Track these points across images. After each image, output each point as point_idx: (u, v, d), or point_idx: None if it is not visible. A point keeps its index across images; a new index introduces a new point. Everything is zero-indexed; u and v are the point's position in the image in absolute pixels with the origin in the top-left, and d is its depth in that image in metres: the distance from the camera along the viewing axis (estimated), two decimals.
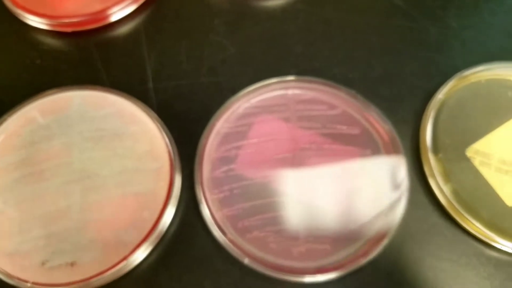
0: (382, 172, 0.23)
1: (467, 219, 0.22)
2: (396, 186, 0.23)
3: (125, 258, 0.20)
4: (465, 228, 0.22)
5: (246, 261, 0.21)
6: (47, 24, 0.27)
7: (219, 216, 0.22)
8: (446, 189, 0.23)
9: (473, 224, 0.22)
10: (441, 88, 0.25)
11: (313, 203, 0.22)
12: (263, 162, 0.23)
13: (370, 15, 0.28)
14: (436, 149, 0.23)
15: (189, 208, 0.23)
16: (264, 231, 0.22)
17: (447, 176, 0.23)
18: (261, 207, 0.22)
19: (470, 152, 0.24)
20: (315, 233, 0.22)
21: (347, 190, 0.23)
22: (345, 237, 0.22)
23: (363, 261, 0.21)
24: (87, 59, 0.27)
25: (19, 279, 0.20)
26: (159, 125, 0.24)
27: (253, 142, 0.24)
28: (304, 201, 0.22)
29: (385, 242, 0.21)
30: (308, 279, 0.21)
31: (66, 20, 0.27)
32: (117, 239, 0.21)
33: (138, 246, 0.21)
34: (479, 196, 0.23)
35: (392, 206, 0.22)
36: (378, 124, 0.24)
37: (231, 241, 0.21)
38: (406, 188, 0.22)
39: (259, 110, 0.25)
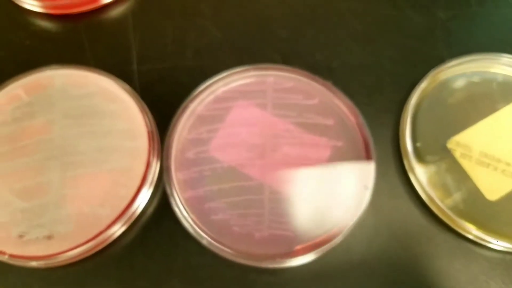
0: (350, 174, 0.23)
1: (444, 210, 0.22)
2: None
3: (100, 233, 0.21)
4: (442, 220, 0.22)
5: (204, 242, 0.21)
6: (38, 6, 0.28)
7: (185, 197, 0.22)
8: (423, 178, 0.22)
9: (450, 216, 0.22)
10: (424, 78, 0.24)
11: (280, 191, 0.22)
12: (235, 146, 0.23)
13: (354, 2, 0.28)
14: (414, 138, 0.23)
15: (163, 188, 0.23)
16: (229, 214, 0.22)
17: (425, 166, 0.23)
18: (229, 190, 0.22)
19: (451, 144, 0.24)
20: (279, 220, 0.22)
21: (315, 183, 0.23)
22: (309, 226, 0.22)
23: (325, 249, 0.21)
24: (75, 40, 0.27)
25: None
26: (140, 105, 0.24)
27: (227, 126, 0.24)
28: (271, 189, 0.22)
29: (350, 230, 0.21)
30: (268, 264, 0.21)
31: (57, 3, 0.28)
32: (93, 214, 0.21)
33: (113, 222, 0.21)
34: (457, 188, 0.23)
35: (359, 200, 0.22)
36: (351, 115, 0.24)
37: (192, 221, 0.21)
38: (371, 188, 0.22)
39: (236, 95, 0.25)
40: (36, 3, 0.27)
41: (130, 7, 0.28)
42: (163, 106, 0.24)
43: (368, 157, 0.23)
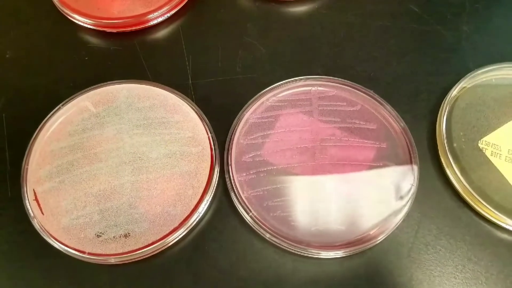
0: (395, 174, 0.25)
1: (481, 202, 0.24)
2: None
3: (174, 230, 0.23)
4: (478, 211, 0.25)
5: (267, 236, 0.23)
6: (94, 25, 0.30)
7: (246, 196, 0.24)
8: (460, 175, 0.25)
9: (487, 207, 0.24)
10: (455, 86, 0.27)
11: (330, 190, 0.25)
12: (286, 150, 0.26)
13: (387, 20, 0.31)
14: (450, 139, 0.26)
15: (224, 188, 0.25)
16: (286, 211, 0.24)
17: (461, 164, 0.25)
18: (283, 190, 0.25)
19: (482, 143, 0.26)
20: (332, 215, 0.24)
21: (363, 182, 0.25)
22: (357, 221, 0.24)
23: (377, 240, 0.23)
24: (131, 57, 0.30)
25: (76, 249, 0.23)
26: (199, 115, 0.26)
27: (278, 132, 0.26)
28: (322, 188, 0.25)
29: (397, 224, 0.23)
30: (325, 254, 0.23)
31: (112, 21, 0.30)
32: (166, 213, 0.23)
33: (185, 220, 0.23)
34: (490, 183, 0.25)
35: (404, 197, 0.24)
36: (393, 120, 0.26)
37: (253, 218, 0.23)
38: (413, 191, 0.24)
39: (285, 104, 0.27)
40: (91, 21, 0.30)
41: (181, 26, 0.31)
42: (218, 115, 0.27)
43: (411, 158, 0.25)
